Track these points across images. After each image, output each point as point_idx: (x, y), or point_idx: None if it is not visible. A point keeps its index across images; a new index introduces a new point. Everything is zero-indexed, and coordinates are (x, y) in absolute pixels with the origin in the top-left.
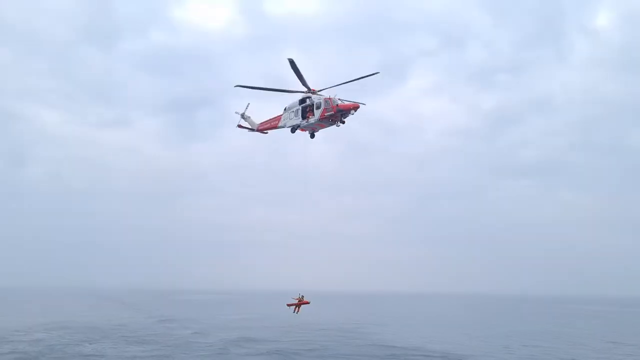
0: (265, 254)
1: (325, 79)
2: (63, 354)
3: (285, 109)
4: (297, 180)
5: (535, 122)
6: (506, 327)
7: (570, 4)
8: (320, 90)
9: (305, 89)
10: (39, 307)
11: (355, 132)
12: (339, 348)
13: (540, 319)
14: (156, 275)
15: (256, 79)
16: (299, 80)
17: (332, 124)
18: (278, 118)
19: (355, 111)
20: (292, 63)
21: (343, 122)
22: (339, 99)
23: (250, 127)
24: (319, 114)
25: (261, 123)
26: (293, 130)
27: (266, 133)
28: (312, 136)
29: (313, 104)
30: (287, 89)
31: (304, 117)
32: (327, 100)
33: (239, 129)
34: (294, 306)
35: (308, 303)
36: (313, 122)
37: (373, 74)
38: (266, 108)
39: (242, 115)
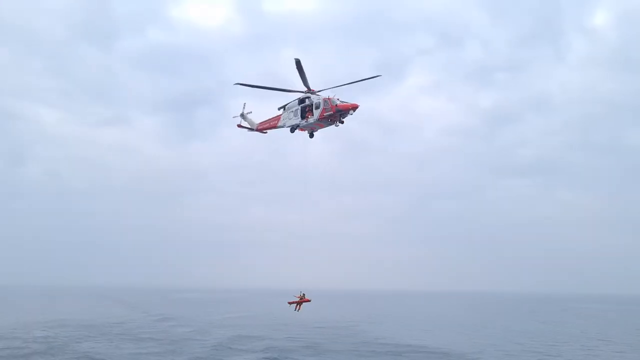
0: (265, 253)
1: (324, 78)
2: (62, 351)
3: (284, 109)
4: (296, 179)
5: (533, 121)
6: (502, 325)
7: (568, 4)
8: (320, 91)
9: (305, 89)
10: (39, 305)
11: (354, 132)
12: (331, 345)
13: (536, 317)
14: (156, 274)
15: (254, 77)
16: (301, 80)
17: (331, 124)
18: (277, 118)
19: (354, 111)
20: (298, 63)
21: (342, 122)
22: (337, 99)
23: (249, 126)
24: (318, 114)
25: (260, 123)
26: (292, 130)
27: (265, 133)
28: (311, 136)
29: (312, 104)
30: (286, 88)
31: (303, 117)
32: (326, 101)
33: (239, 128)
34: (296, 304)
35: (309, 301)
36: (312, 122)
37: (375, 77)
38: (263, 107)
39: (242, 115)
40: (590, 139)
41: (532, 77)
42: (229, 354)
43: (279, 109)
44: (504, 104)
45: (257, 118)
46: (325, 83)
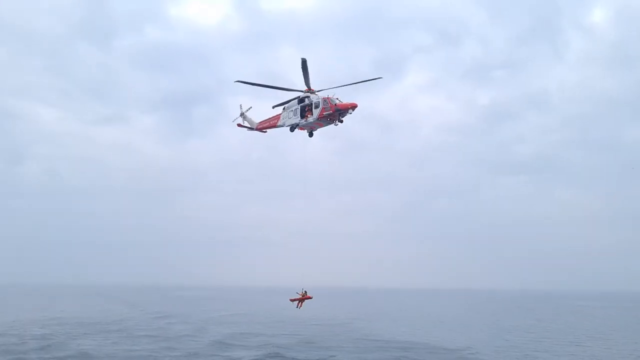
0: (264, 251)
1: (322, 76)
2: (61, 350)
3: (283, 108)
4: (295, 178)
5: (531, 118)
6: (497, 322)
7: (565, 1)
8: (320, 91)
9: (305, 88)
10: (37, 304)
11: (353, 130)
12: (326, 341)
13: (531, 314)
14: (155, 272)
15: (253, 75)
16: (304, 80)
17: (330, 123)
18: (277, 117)
19: (354, 110)
20: (304, 63)
21: (341, 121)
22: (337, 99)
23: (249, 126)
24: (318, 113)
25: (260, 122)
26: (292, 129)
27: (265, 132)
28: (311, 135)
29: (312, 104)
30: (284, 86)
31: (302, 116)
32: (326, 100)
33: (239, 128)
34: (297, 301)
35: (311, 298)
36: (312, 121)
37: (376, 79)
38: (260, 106)
39: (242, 115)
40: (588, 136)
41: (531, 74)
42: (225, 350)
43: (274, 107)
44: (502, 101)
45: (255, 116)
46: (324, 81)
